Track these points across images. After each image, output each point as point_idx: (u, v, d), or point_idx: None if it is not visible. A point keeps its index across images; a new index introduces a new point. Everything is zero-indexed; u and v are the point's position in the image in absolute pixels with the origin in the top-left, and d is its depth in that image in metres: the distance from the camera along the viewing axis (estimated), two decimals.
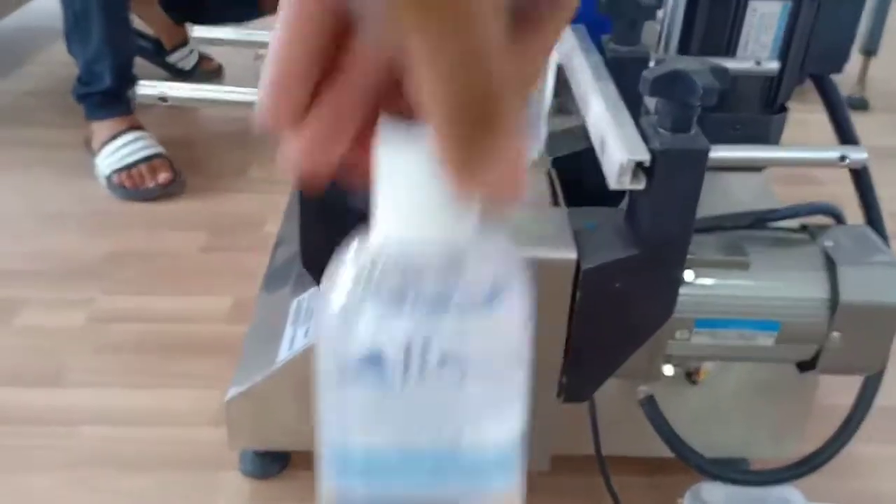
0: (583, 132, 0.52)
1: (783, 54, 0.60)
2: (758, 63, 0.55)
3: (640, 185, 0.41)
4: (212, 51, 1.85)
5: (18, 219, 1.28)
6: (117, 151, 1.33)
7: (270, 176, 1.42)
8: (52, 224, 1.26)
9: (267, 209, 1.30)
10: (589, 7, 0.55)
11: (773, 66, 0.55)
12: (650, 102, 0.44)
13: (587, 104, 0.49)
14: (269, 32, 0.61)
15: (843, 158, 0.42)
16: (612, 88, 0.49)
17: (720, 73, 0.41)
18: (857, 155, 0.42)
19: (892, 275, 0.50)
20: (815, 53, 0.61)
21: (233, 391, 0.71)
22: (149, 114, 1.49)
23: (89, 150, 1.41)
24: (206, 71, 1.80)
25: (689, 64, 0.40)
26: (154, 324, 1.03)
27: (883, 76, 1.81)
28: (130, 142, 1.34)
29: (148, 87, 0.44)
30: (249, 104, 0.44)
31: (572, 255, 0.43)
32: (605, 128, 0.44)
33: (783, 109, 0.63)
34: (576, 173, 0.53)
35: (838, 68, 0.63)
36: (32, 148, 1.50)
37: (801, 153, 0.43)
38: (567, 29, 0.59)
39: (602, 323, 0.45)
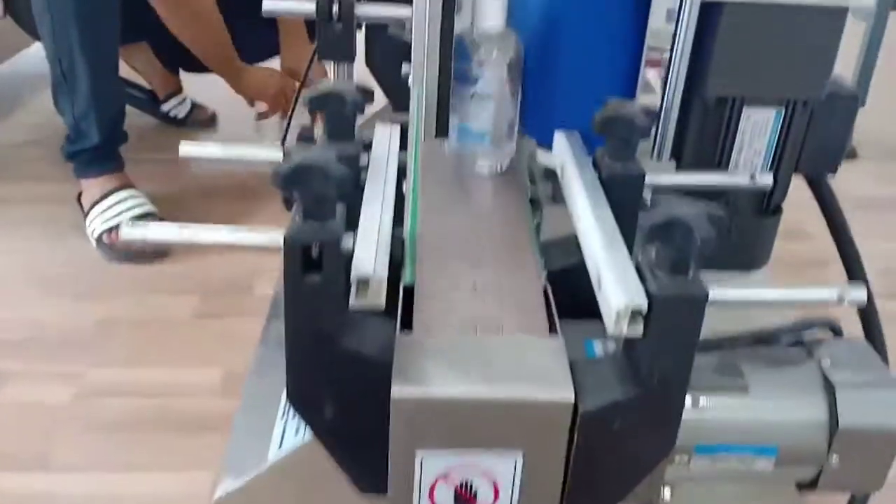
0: (577, 242, 0.51)
1: (776, 158, 0.59)
2: (752, 178, 0.54)
3: (638, 332, 0.40)
4: (205, 99, 1.85)
5: (6, 282, 1.25)
6: (107, 211, 1.32)
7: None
8: (42, 288, 1.24)
9: (257, 270, 1.29)
10: (584, 115, 0.55)
11: (768, 180, 0.54)
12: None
13: (583, 231, 0.48)
14: (257, 148, 0.59)
15: (841, 300, 0.42)
16: (607, 213, 0.48)
17: (717, 220, 0.40)
18: (856, 294, 0.42)
19: (891, 397, 0.50)
20: (808, 156, 0.61)
21: (220, 490, 0.69)
22: (138, 169, 1.48)
23: (79, 203, 1.40)
24: (200, 120, 1.79)
25: (686, 210, 0.40)
26: (144, 398, 1.01)
27: (871, 126, 1.81)
28: (120, 201, 1.32)
29: (132, 230, 0.43)
30: (236, 246, 0.43)
31: (570, 396, 0.42)
32: (601, 265, 0.43)
33: (777, 211, 0.63)
34: (572, 286, 0.52)
35: (833, 169, 0.63)
36: (23, 205, 1.48)
37: (799, 293, 0.42)
38: (562, 135, 0.59)
39: (601, 462, 0.43)
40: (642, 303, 0.40)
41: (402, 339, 0.45)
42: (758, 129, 0.58)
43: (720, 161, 0.59)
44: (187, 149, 0.53)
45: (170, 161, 1.71)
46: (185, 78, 1.80)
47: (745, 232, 0.61)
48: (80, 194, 1.40)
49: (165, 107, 1.75)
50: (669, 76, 0.57)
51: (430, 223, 0.53)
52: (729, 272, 0.62)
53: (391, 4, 0.65)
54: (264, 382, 0.85)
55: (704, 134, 0.58)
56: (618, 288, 0.40)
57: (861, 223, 1.65)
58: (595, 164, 0.54)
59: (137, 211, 1.31)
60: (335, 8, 0.64)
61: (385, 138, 0.50)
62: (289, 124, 0.79)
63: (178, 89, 1.76)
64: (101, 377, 1.04)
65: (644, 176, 0.52)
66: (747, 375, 0.51)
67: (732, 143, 0.58)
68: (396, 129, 0.55)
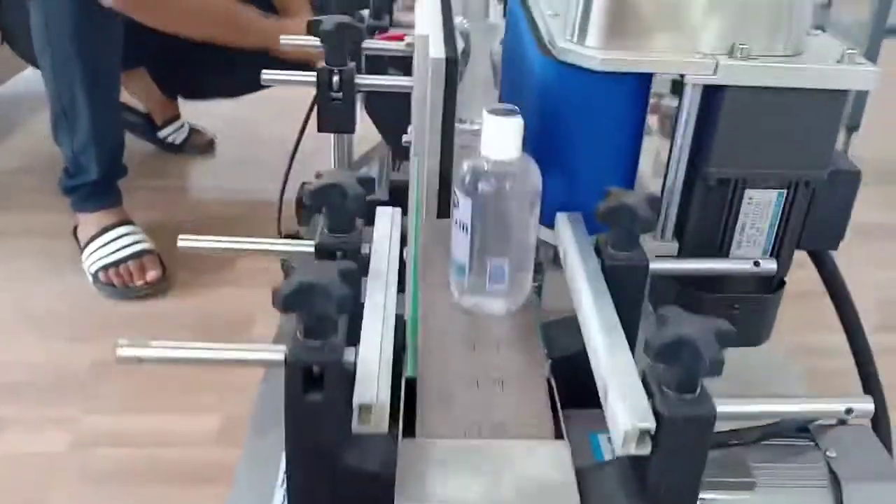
0: (579, 326, 0.51)
1: (778, 237, 0.59)
2: (756, 264, 0.53)
3: (646, 451, 0.39)
4: (203, 123, 1.84)
5: (2, 320, 1.25)
6: (105, 247, 1.30)
7: (257, 265, 1.39)
8: (36, 327, 1.22)
9: (254, 307, 1.27)
10: (587, 197, 0.54)
11: (772, 266, 0.53)
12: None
13: (586, 327, 0.47)
14: (256, 241, 0.58)
15: (849, 412, 0.41)
16: (610, 311, 0.47)
17: (725, 336, 0.39)
18: (863, 406, 0.41)
19: None
20: (810, 233, 0.60)
21: None
22: (135, 197, 1.46)
23: (75, 236, 1.38)
24: (198, 145, 1.78)
25: (695, 329, 0.39)
26: (141, 448, 1.00)
27: (869, 148, 1.81)
28: (119, 237, 1.31)
29: (128, 351, 0.42)
30: (236, 362, 0.42)
31: None
32: (607, 376, 0.42)
33: (781, 285, 0.62)
34: (575, 373, 0.51)
35: (835, 245, 0.62)
36: (18, 237, 1.47)
37: (807, 405, 0.42)
38: (564, 217, 0.58)
39: None
40: (650, 424, 0.39)
41: (405, 447, 0.44)
42: (760, 209, 0.57)
43: (723, 240, 0.58)
44: (186, 243, 0.51)
45: (167, 188, 1.69)
46: (183, 102, 1.78)
47: (749, 307, 0.60)
48: (76, 227, 1.38)
49: (163, 133, 1.73)
50: (671, 157, 0.56)
51: (433, 314, 0.52)
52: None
53: (392, 77, 0.64)
54: (266, 436, 0.83)
55: (707, 214, 0.57)
56: (625, 407, 0.40)
57: (860, 250, 1.65)
58: (597, 251, 0.53)
59: (135, 248, 1.30)
60: (335, 79, 0.63)
61: (385, 236, 0.49)
62: (280, 214, 0.78)
63: (176, 115, 1.75)
64: (97, 424, 1.03)
65: (648, 267, 0.51)
66: (753, 469, 0.50)
67: (735, 223, 0.57)
68: (398, 217, 0.54)
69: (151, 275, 1.28)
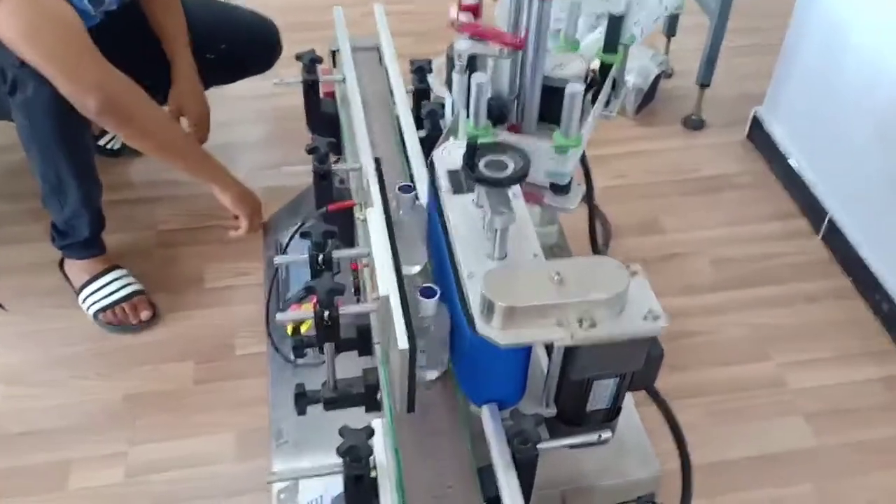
0: None
1: (615, 395, 0.93)
2: (599, 437, 0.89)
3: None
4: None
5: (35, 367, 1.45)
6: (99, 291, 1.49)
7: (221, 282, 1.62)
8: (66, 368, 1.44)
9: (232, 322, 1.52)
10: (502, 389, 0.86)
11: (608, 434, 0.89)
12: None
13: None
14: None
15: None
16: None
17: None
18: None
19: None
20: (636, 383, 0.95)
21: None
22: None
23: (63, 272, 1.56)
24: (133, 148, 1.90)
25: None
26: (183, 470, 1.29)
27: (717, 96, 2.11)
28: (110, 282, 1.50)
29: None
30: None
31: None
32: None
33: (618, 413, 0.98)
34: None
35: (651, 384, 0.97)
36: (24, 273, 1.60)
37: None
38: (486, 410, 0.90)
39: None
40: None
41: None
42: (604, 387, 0.91)
43: (583, 401, 0.92)
44: None
45: (121, 203, 1.76)
46: None
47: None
48: (62, 261, 1.55)
49: (101, 141, 1.83)
50: (551, 366, 0.89)
51: None
52: None
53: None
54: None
55: (572, 393, 0.91)
56: None
57: (698, 208, 2.05)
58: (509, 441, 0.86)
59: (126, 290, 1.50)
60: None
61: None
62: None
63: None
64: (143, 455, 1.31)
65: (537, 454, 0.85)
66: None
67: (588, 395, 0.92)
68: None
69: (145, 314, 1.49)
